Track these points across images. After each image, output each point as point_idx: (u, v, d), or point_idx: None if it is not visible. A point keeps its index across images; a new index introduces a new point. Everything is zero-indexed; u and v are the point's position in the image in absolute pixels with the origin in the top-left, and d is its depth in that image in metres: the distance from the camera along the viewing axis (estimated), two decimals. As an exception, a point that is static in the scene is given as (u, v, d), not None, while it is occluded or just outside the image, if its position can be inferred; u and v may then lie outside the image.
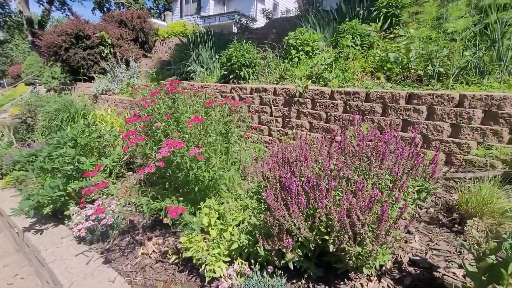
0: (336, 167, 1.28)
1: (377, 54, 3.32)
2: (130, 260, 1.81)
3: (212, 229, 1.61)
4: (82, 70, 7.19)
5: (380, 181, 1.29)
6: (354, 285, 1.29)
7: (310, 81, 3.32)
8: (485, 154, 2.00)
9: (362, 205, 1.06)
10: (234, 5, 18.78)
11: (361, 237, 1.08)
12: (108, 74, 6.62)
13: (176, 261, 1.68)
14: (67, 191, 2.31)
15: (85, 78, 7.19)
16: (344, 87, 3.05)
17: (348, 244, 1.07)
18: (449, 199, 1.88)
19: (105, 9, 25.57)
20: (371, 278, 1.31)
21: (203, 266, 1.43)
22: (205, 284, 1.45)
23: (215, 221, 1.62)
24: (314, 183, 1.20)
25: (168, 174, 1.83)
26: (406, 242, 1.50)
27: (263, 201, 1.66)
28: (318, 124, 3.09)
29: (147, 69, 7.47)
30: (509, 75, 2.57)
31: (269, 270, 1.32)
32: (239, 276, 1.38)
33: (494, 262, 0.99)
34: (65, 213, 2.32)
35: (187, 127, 1.70)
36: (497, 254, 1.02)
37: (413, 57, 2.93)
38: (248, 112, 3.66)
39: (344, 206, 1.09)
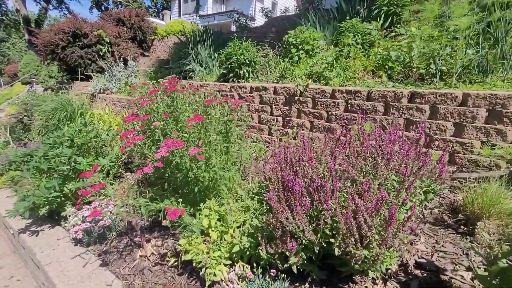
0: (341, 167, 1.24)
1: (378, 52, 3.29)
2: (128, 263, 1.76)
3: (212, 230, 1.57)
4: (79, 69, 7.11)
5: (386, 182, 1.25)
6: (359, 288, 1.25)
7: (310, 80, 3.29)
8: (490, 154, 1.97)
9: (369, 207, 1.02)
10: (233, 4, 18.71)
11: (368, 240, 1.04)
12: (106, 73, 6.55)
13: (176, 263, 1.64)
14: (64, 192, 2.26)
15: (83, 77, 7.11)
16: (345, 86, 3.01)
17: (354, 247, 1.04)
18: (454, 200, 1.85)
19: (102, 7, 25.41)
20: (377, 281, 1.28)
21: (203, 270, 1.39)
22: (205, 288, 1.41)
23: (216, 223, 1.58)
24: (319, 184, 1.16)
25: (167, 174, 1.79)
26: (411, 244, 1.46)
27: (264, 202, 1.61)
28: (319, 124, 3.05)
29: (146, 68, 7.41)
30: (513, 73, 2.54)
31: (271, 273, 1.28)
32: (240, 280, 1.34)
33: (506, 266, 0.95)
34: (61, 214, 2.27)
35: (187, 126, 1.66)
36: (509, 258, 0.98)
37: (415, 56, 2.89)
38: (248, 111, 3.61)
39: (350, 207, 1.05)
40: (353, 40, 3.71)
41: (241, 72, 3.87)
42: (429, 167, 1.28)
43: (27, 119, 5.55)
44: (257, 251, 1.33)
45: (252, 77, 4.01)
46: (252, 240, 1.39)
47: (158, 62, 7.76)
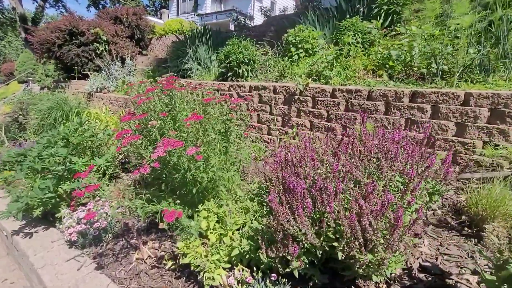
0: (344, 168, 1.20)
1: (378, 51, 3.25)
2: (124, 266, 1.71)
3: (211, 233, 1.53)
4: (76, 67, 7.03)
5: (391, 183, 1.21)
6: (362, 293, 1.22)
7: (310, 79, 3.25)
8: (493, 154, 1.94)
9: (374, 210, 0.99)
10: (231, 3, 18.63)
11: (373, 244, 1.00)
12: (103, 71, 6.48)
13: (173, 267, 1.59)
14: (58, 193, 2.21)
15: (79, 75, 7.03)
16: (346, 85, 2.98)
17: (359, 251, 1.00)
18: (457, 201, 1.81)
19: (100, 6, 25.21)
20: (380, 285, 1.24)
21: (201, 273, 1.34)
22: (204, 292, 1.36)
23: (214, 225, 1.54)
24: (321, 185, 1.12)
25: (164, 175, 1.74)
26: (415, 246, 1.43)
27: (265, 204, 1.57)
28: (319, 123, 3.01)
29: (143, 66, 7.34)
30: (515, 73, 2.52)
31: (272, 278, 1.24)
32: (240, 284, 1.30)
33: (517, 271, 0.92)
34: (56, 215, 2.22)
35: (185, 126, 1.61)
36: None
37: (416, 55, 2.86)
38: (247, 111, 3.57)
39: (354, 210, 1.01)
40: (353, 39, 3.67)
41: (240, 71, 3.82)
42: (434, 167, 1.25)
43: (22, 118, 5.48)
44: (257, 254, 1.29)
45: (251, 76, 3.97)
46: (252, 243, 1.35)
47: (156, 61, 7.70)
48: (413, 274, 1.29)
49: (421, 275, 1.29)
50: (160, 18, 17.99)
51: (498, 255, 0.93)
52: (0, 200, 2.74)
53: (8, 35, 26.58)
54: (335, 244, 1.05)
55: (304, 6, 7.23)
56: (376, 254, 1.01)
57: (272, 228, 1.18)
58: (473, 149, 2.23)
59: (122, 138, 1.46)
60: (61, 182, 2.25)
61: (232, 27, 12.01)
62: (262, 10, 11.42)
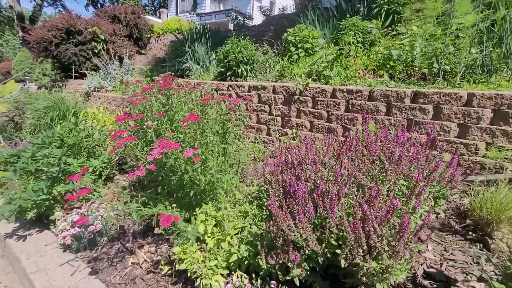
0: (346, 170, 1.16)
1: (379, 51, 3.21)
2: (119, 271, 1.66)
3: (208, 237, 1.48)
4: (73, 66, 6.96)
5: (395, 187, 1.17)
6: (365, 300, 1.17)
7: (310, 79, 3.21)
8: (497, 156, 1.90)
9: (378, 215, 0.94)
10: (230, 2, 18.57)
11: (377, 251, 0.96)
12: (100, 71, 6.41)
13: (169, 272, 1.54)
14: (53, 195, 2.16)
15: (77, 74, 6.96)
16: (346, 85, 2.93)
17: (362, 259, 0.96)
18: (460, 204, 1.77)
19: (98, 5, 25.09)
20: (384, 293, 1.20)
21: (198, 280, 1.30)
22: (201, 299, 1.32)
23: (212, 229, 1.49)
24: (323, 189, 1.07)
25: (160, 177, 1.69)
26: (419, 252, 1.38)
27: (264, 208, 1.53)
28: (319, 124, 2.97)
29: (142, 66, 7.27)
30: (518, 73, 2.48)
31: (272, 286, 1.19)
32: (238, 291, 1.26)
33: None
34: (50, 218, 2.17)
35: (182, 126, 1.57)
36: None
37: (417, 55, 2.83)
38: (246, 111, 3.52)
39: (358, 215, 0.96)
40: (354, 38, 3.63)
41: (239, 70, 3.78)
42: (439, 170, 1.21)
43: (18, 118, 5.40)
44: (256, 260, 1.25)
45: (250, 76, 3.92)
46: (251, 248, 1.31)
47: (155, 60, 7.64)
48: (418, 281, 1.25)
49: (426, 282, 1.25)
50: (159, 17, 17.91)
51: (508, 263, 0.89)
52: (-6, 202, 2.69)
53: (5, 34, 26.41)
54: (338, 251, 1.01)
55: (304, 5, 7.18)
56: (380, 262, 0.97)
57: (272, 233, 1.13)
58: (476, 151, 2.19)
59: (117, 139, 1.41)
60: (56, 184, 2.20)
61: (231, 26, 11.96)
62: (262, 10, 11.37)
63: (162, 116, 1.68)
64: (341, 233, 1.03)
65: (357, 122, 2.71)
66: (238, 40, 3.96)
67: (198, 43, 4.99)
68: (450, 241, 1.48)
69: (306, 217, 1.09)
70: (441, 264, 1.32)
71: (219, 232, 1.46)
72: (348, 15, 4.26)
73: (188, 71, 4.93)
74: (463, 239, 1.49)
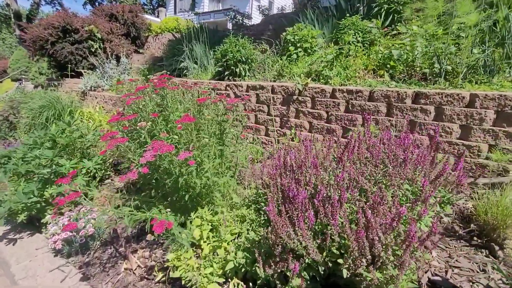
0: (348, 174, 1.10)
1: (379, 51, 3.16)
2: (112, 277, 1.60)
3: (204, 242, 1.42)
4: (69, 65, 6.86)
5: (399, 192, 1.12)
6: (367, 310, 1.12)
7: (309, 78, 3.15)
8: (501, 159, 1.86)
9: (383, 223, 0.89)
10: (229, 1, 18.50)
11: (381, 261, 0.91)
12: (97, 70, 6.33)
13: (163, 279, 1.48)
14: (44, 197, 2.09)
15: (73, 73, 6.87)
16: (346, 85, 2.88)
17: (366, 269, 0.90)
18: (464, 207, 1.73)
19: (96, 4, 24.91)
20: (387, 302, 1.14)
21: (193, 288, 1.24)
22: (195, 308, 1.26)
23: (208, 234, 1.43)
24: (325, 195, 1.02)
25: (154, 180, 1.63)
26: (427, 263, 1.33)
27: (262, 212, 1.47)
28: (318, 124, 2.92)
29: (139, 65, 7.19)
30: (521, 74, 2.44)
31: (270, 295, 1.14)
32: (235, 301, 1.20)
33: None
34: (42, 220, 2.10)
35: (177, 128, 1.51)
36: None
37: (418, 54, 2.78)
38: (244, 111, 3.46)
39: (361, 223, 0.91)
40: (354, 38, 3.58)
41: (237, 70, 3.72)
42: (445, 175, 1.16)
43: (13, 117, 5.32)
44: (253, 268, 1.19)
45: (248, 75, 3.86)
46: (248, 255, 1.25)
47: (152, 59, 7.56)
48: (422, 290, 1.20)
49: (430, 291, 1.20)
50: (158, 16, 17.80)
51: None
52: (-16, 204, 2.61)
53: (2, 32, 26.17)
54: (340, 261, 0.96)
55: (303, 4, 7.13)
56: (385, 272, 0.91)
57: (270, 240, 1.08)
58: (479, 153, 2.14)
59: (109, 140, 1.34)
60: (48, 186, 2.13)
61: (229, 26, 11.89)
62: (260, 9, 11.31)
63: (157, 117, 1.62)
64: (343, 241, 0.97)
65: (357, 123, 2.66)
66: (237, 39, 3.90)
67: (196, 42, 4.93)
68: (455, 247, 1.43)
69: (306, 224, 1.03)
70: (446, 272, 1.27)
71: (215, 238, 1.40)
72: (347, 14, 4.21)
73: (185, 71, 4.86)
74: (468, 244, 1.44)
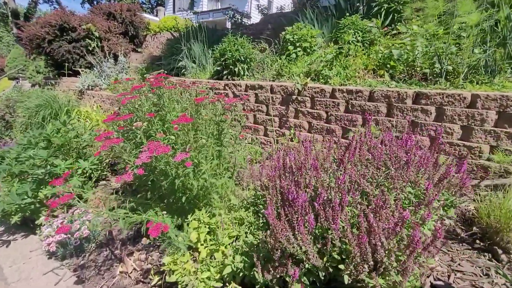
0: (349, 176, 1.07)
1: (379, 51, 3.13)
2: (107, 280, 1.57)
3: (201, 245, 1.39)
4: (67, 64, 6.80)
5: (402, 195, 1.09)
6: (369, 316, 1.09)
7: (309, 78, 3.12)
8: (503, 160, 1.83)
9: (385, 228, 0.86)
10: (228, 1, 18.42)
11: (384, 267, 0.88)
12: (95, 68, 6.27)
13: (159, 282, 1.45)
14: (39, 198, 2.05)
15: (70, 72, 6.81)
16: (346, 85, 2.85)
17: (368, 275, 0.87)
18: (465, 210, 1.70)
19: (95, 2, 24.78)
20: (388, 308, 1.11)
21: (190, 293, 1.21)
22: (192, 313, 1.22)
23: (205, 237, 1.40)
24: (325, 198, 0.99)
25: (150, 181, 1.59)
26: (431, 269, 1.30)
27: (261, 215, 1.44)
28: (317, 124, 2.89)
29: (137, 64, 7.14)
30: (522, 74, 2.42)
31: (269, 301, 1.11)
32: (232, 306, 1.17)
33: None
34: (36, 222, 2.06)
35: (174, 128, 1.47)
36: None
37: (419, 54, 2.75)
38: (243, 111, 3.43)
39: (363, 227, 0.88)
40: (353, 37, 3.55)
41: (236, 69, 3.68)
42: (449, 178, 1.13)
43: (9, 116, 5.26)
44: (252, 273, 1.16)
45: (247, 75, 3.83)
46: (246, 259, 1.22)
47: (150, 58, 7.51)
48: (424, 295, 1.17)
49: (433, 296, 1.17)
50: (156, 15, 17.72)
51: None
52: (-22, 205, 2.57)
53: (-1, 31, 25.96)
54: (341, 266, 0.93)
55: (302, 3, 7.09)
56: (388, 278, 0.88)
57: (269, 244, 1.05)
58: (480, 154, 2.12)
59: (103, 141, 1.31)
60: (42, 187, 2.09)
61: (228, 25, 11.84)
62: (259, 8, 11.28)
63: (153, 117, 1.58)
64: (344, 246, 0.94)
65: (357, 123, 2.63)
66: (235, 38, 3.86)
67: (194, 41, 4.89)
68: (457, 250, 1.41)
69: (306, 228, 1.00)
70: (449, 276, 1.24)
71: (213, 241, 1.37)
72: (347, 14, 4.18)
73: (184, 70, 4.82)
74: (470, 248, 1.42)
